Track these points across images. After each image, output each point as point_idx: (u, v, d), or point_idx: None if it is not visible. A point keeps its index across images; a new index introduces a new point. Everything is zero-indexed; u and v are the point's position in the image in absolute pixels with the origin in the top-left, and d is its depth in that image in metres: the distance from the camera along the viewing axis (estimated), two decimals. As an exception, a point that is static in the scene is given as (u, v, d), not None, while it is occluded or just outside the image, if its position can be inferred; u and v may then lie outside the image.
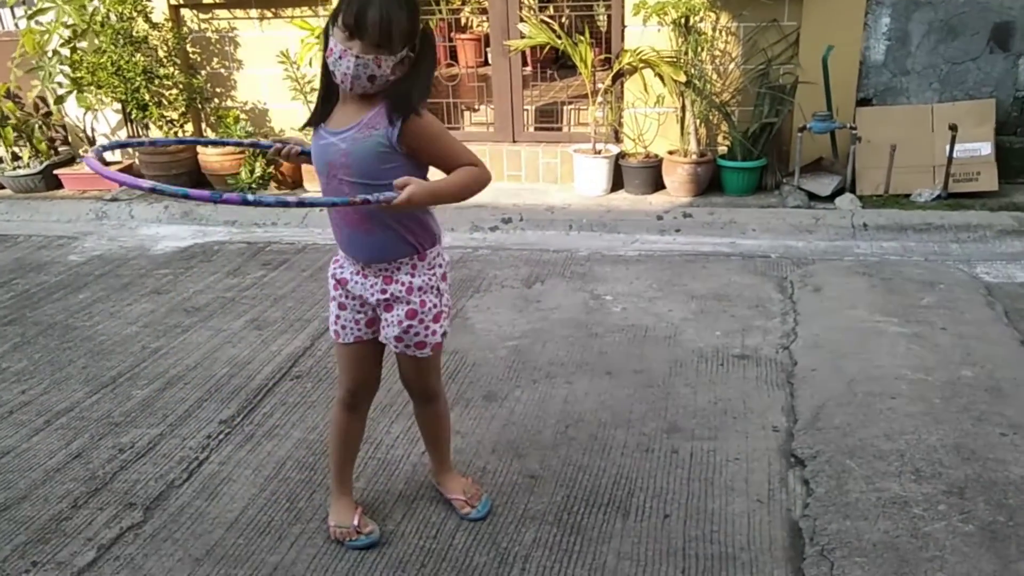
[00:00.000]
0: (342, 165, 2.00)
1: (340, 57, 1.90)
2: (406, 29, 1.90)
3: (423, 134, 1.98)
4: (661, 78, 5.36)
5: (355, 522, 2.36)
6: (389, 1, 1.87)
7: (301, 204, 1.90)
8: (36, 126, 6.25)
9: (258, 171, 5.73)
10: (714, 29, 5.27)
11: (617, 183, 5.55)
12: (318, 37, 5.41)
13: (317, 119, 2.08)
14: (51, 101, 6.04)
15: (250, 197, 1.84)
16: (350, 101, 2.01)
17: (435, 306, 2.17)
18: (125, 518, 2.52)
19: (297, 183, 5.99)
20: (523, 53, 5.94)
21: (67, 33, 5.77)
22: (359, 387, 2.33)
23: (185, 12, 6.14)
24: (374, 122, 1.96)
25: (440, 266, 2.19)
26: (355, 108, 2.00)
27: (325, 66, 1.98)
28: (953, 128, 4.87)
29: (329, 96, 2.05)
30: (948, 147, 4.92)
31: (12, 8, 6.38)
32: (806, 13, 5.11)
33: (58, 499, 2.63)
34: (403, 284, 2.12)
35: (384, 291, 2.14)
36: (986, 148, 5.02)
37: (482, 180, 2.05)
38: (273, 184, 5.95)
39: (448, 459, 2.54)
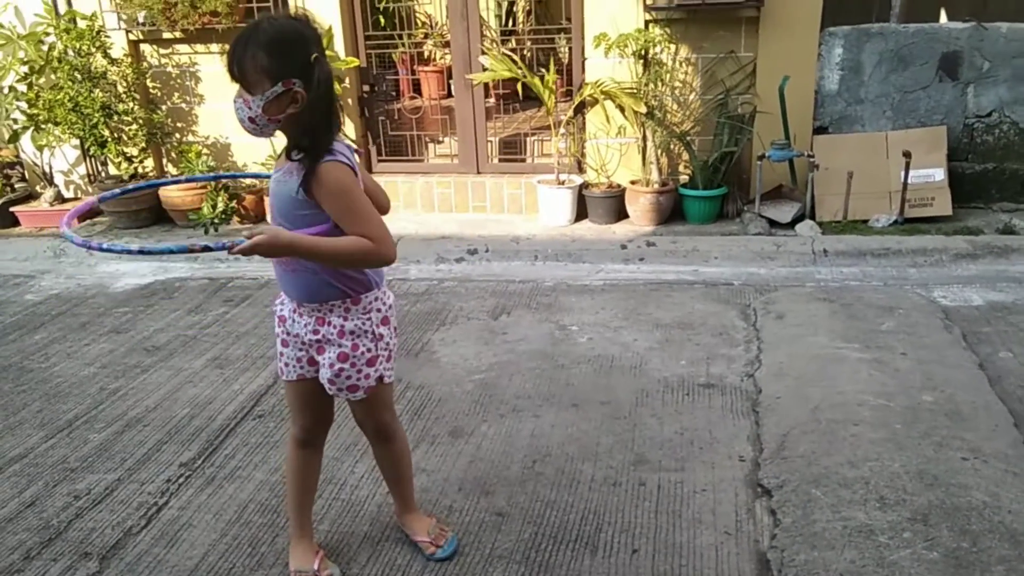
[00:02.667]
0: (273, 204, 2.04)
1: (236, 104, 1.95)
2: (265, 66, 1.85)
3: (324, 188, 1.90)
4: (622, 109, 5.43)
5: (315, 566, 2.31)
6: (247, 40, 1.88)
7: (141, 252, 1.92)
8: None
9: (220, 206, 5.67)
10: (673, 60, 5.36)
11: (581, 213, 5.58)
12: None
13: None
14: (6, 138, 5.93)
15: (102, 244, 1.91)
16: (286, 147, 2.01)
17: (369, 351, 2.13)
18: (80, 569, 2.44)
19: (260, 217, 5.94)
20: (486, 85, 5.99)
21: (24, 69, 5.69)
22: (307, 423, 2.31)
23: (145, 47, 6.10)
24: (293, 167, 1.95)
25: (378, 310, 2.14)
26: (287, 153, 2.01)
27: None
28: (907, 155, 4.99)
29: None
30: (903, 173, 5.04)
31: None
32: (762, 44, 5.22)
33: (9, 550, 2.54)
34: (335, 327, 2.10)
35: (316, 332, 2.11)
36: (939, 174, 5.14)
37: (371, 257, 1.94)
38: (236, 218, 5.89)
39: (411, 499, 2.50)
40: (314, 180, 1.90)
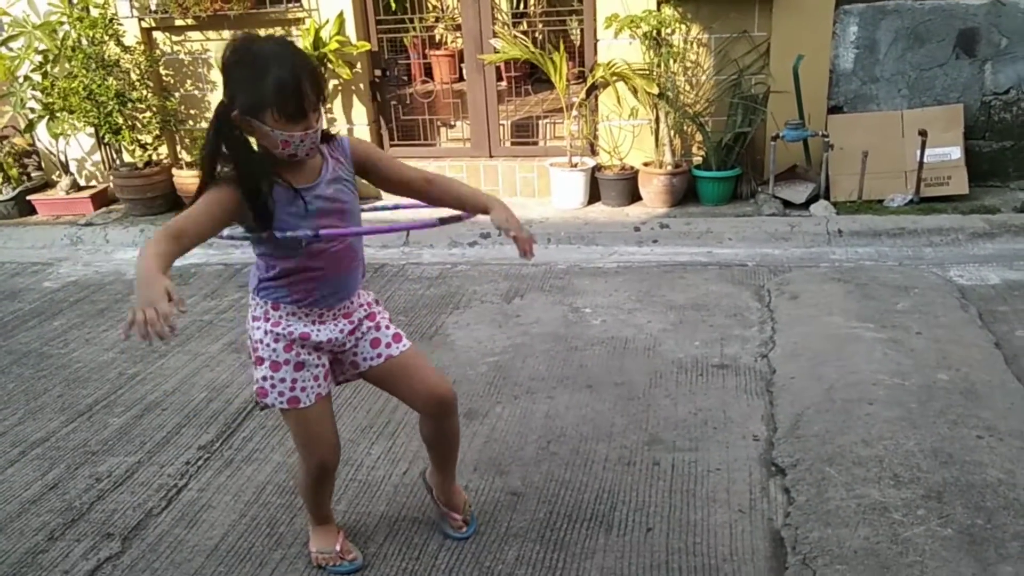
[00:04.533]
0: (351, 202, 2.03)
1: (301, 141, 1.83)
2: (312, 68, 1.87)
3: (365, 148, 2.09)
4: (635, 91, 5.40)
5: (338, 547, 2.34)
6: (304, 66, 1.81)
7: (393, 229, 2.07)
8: (5, 154, 6.19)
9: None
10: (685, 41, 5.32)
11: (594, 195, 5.57)
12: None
13: (251, 191, 1.88)
14: (22, 127, 5.98)
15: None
16: (295, 162, 1.91)
17: (384, 311, 2.26)
18: (103, 549, 2.49)
19: (274, 203, 5.95)
20: (497, 68, 5.97)
21: (38, 59, 5.73)
22: (328, 453, 2.17)
23: (157, 35, 6.12)
24: (335, 165, 1.99)
25: None
26: (303, 165, 1.93)
27: (245, 157, 1.87)
28: (923, 134, 4.94)
29: (267, 174, 1.89)
30: (918, 152, 4.99)
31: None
32: (776, 24, 5.17)
33: (34, 531, 2.59)
34: (363, 305, 2.18)
35: (350, 322, 2.12)
36: (956, 152, 5.09)
37: None
38: (250, 205, 5.91)
39: (454, 473, 2.45)
40: (354, 142, 2.07)
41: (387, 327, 2.20)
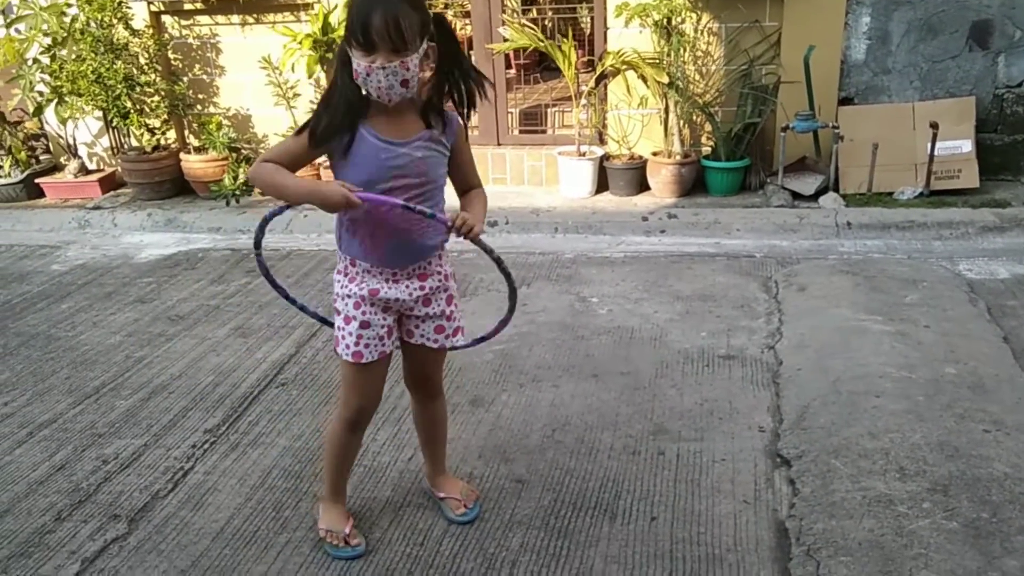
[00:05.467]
0: (418, 173, 2.02)
1: (368, 75, 1.88)
2: (417, 21, 1.87)
3: (461, 145, 2.11)
4: (644, 79, 5.38)
5: (347, 530, 2.35)
6: (391, 2, 1.85)
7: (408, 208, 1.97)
8: (13, 137, 6.20)
9: (241, 177, 5.70)
10: (696, 30, 5.29)
11: (602, 185, 5.56)
12: (300, 43, 5.39)
13: (342, 126, 1.98)
14: (31, 110, 5.98)
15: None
16: (393, 112, 1.98)
17: (456, 289, 2.30)
18: (109, 530, 2.50)
19: (281, 189, 5.95)
20: (506, 56, 5.95)
21: (47, 41, 5.73)
22: (370, 405, 2.28)
23: (166, 18, 6.11)
24: (437, 132, 2.03)
25: (448, 253, 2.27)
26: (405, 116, 2.00)
27: (342, 81, 1.95)
28: (934, 126, 4.91)
29: (353, 108, 1.97)
30: (929, 145, 4.96)
31: (-9, 16, 6.33)
32: (787, 14, 5.14)
33: (41, 512, 2.61)
34: (439, 274, 2.19)
35: (423, 287, 2.16)
36: (967, 145, 5.06)
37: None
38: (257, 190, 5.92)
39: (444, 461, 2.54)
40: (462, 135, 2.10)
41: (457, 317, 2.27)
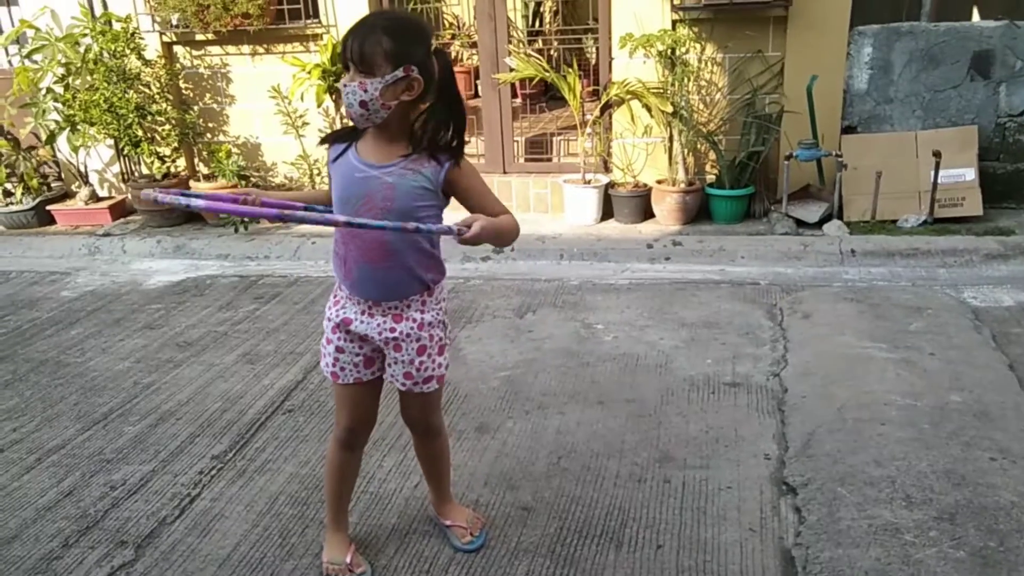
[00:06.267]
0: (384, 198, 2.00)
1: (343, 87, 1.96)
2: (388, 49, 1.90)
3: (465, 183, 2.05)
4: (649, 109, 5.44)
5: (348, 559, 2.35)
6: (368, 27, 1.93)
7: (349, 224, 1.89)
8: (26, 162, 6.28)
9: (250, 205, 5.75)
10: (700, 60, 5.35)
11: (607, 212, 5.60)
12: (309, 73, 5.47)
13: (347, 138, 2.08)
14: (43, 138, 6.07)
15: (286, 214, 1.90)
16: (382, 137, 2.02)
17: (440, 339, 2.20)
18: (116, 557, 2.51)
19: (289, 216, 6.01)
20: (513, 85, 6.02)
21: (61, 71, 5.82)
22: (357, 425, 2.31)
23: (178, 49, 6.21)
24: (419, 163, 2.00)
25: (444, 299, 2.23)
26: (389, 143, 2.02)
27: None
28: (937, 155, 4.95)
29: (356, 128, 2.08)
30: (933, 173, 4.99)
31: (6, 48, 6.44)
32: (790, 44, 5.20)
33: (49, 538, 2.62)
34: (414, 321, 2.13)
35: (393, 329, 2.13)
36: (970, 174, 5.09)
37: (517, 228, 2.12)
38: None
39: (448, 491, 2.54)
40: (459, 176, 2.04)
41: (429, 368, 2.19)
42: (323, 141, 2.15)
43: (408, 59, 1.92)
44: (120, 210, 6.35)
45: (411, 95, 1.96)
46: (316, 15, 5.85)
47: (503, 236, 2.05)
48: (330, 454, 2.37)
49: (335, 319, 2.19)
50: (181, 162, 6.30)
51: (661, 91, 5.30)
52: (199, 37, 6.03)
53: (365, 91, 1.91)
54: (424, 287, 2.13)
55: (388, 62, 1.91)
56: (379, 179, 2.00)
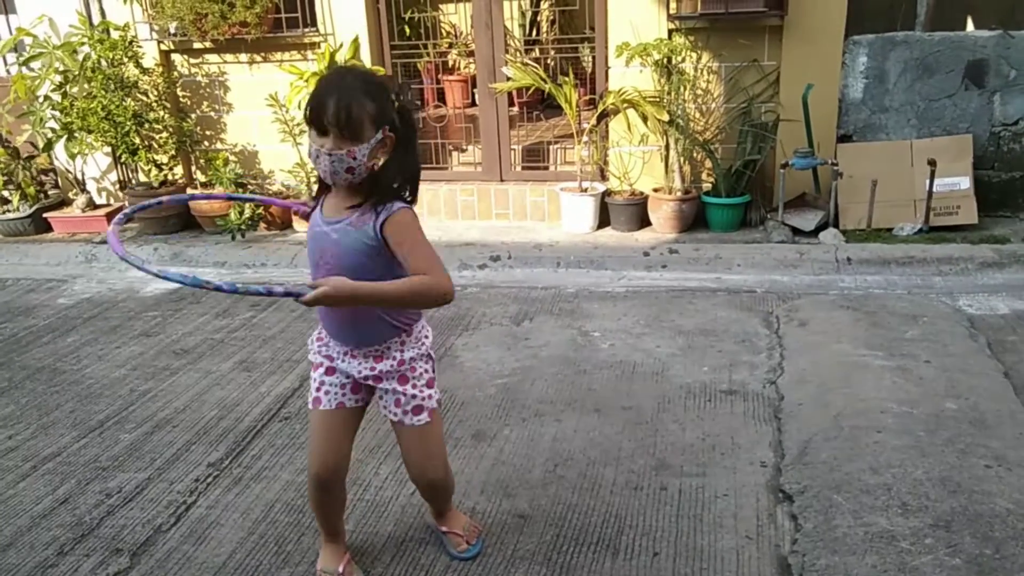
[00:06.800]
0: (332, 255, 2.00)
1: (316, 157, 1.92)
2: (373, 113, 1.90)
3: (396, 238, 1.94)
4: (645, 117, 5.46)
5: (340, 569, 2.34)
6: (348, 89, 1.88)
7: (234, 291, 1.86)
8: (24, 170, 6.28)
9: (247, 212, 5.77)
10: (696, 69, 5.38)
11: (604, 220, 5.61)
12: (306, 81, 5.49)
13: (316, 201, 2.11)
14: (40, 146, 6.07)
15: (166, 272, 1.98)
16: (341, 190, 2.01)
17: (426, 371, 2.20)
18: (112, 564, 2.50)
19: (287, 224, 6.03)
20: (509, 94, 6.04)
21: (58, 79, 5.83)
22: (330, 461, 2.21)
23: (176, 57, 6.23)
24: (365, 217, 1.96)
25: (427, 336, 2.22)
26: (345, 198, 2.00)
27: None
28: (932, 163, 4.97)
29: (320, 181, 2.07)
30: (928, 182, 5.01)
31: (4, 56, 6.45)
32: (786, 53, 5.23)
33: (44, 546, 2.61)
34: (394, 359, 2.14)
35: (374, 368, 2.14)
36: (965, 182, 5.11)
37: (433, 292, 1.92)
38: (263, 225, 5.98)
39: (445, 508, 2.51)
40: (393, 227, 1.94)
41: (414, 396, 2.17)
42: (312, 209, 2.14)
43: (385, 120, 1.93)
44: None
45: (386, 153, 1.97)
46: (314, 24, 5.86)
47: (376, 298, 1.92)
48: (309, 493, 2.32)
49: (321, 353, 2.20)
50: (178, 170, 6.31)
51: (657, 100, 5.32)
52: (197, 45, 6.04)
53: (354, 159, 1.91)
54: (399, 330, 2.11)
55: (372, 126, 1.91)
56: (328, 235, 2.01)
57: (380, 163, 1.97)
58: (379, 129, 1.92)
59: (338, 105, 1.86)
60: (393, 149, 1.98)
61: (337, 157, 1.90)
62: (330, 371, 2.19)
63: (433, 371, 2.23)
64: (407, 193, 2.03)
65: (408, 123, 2.00)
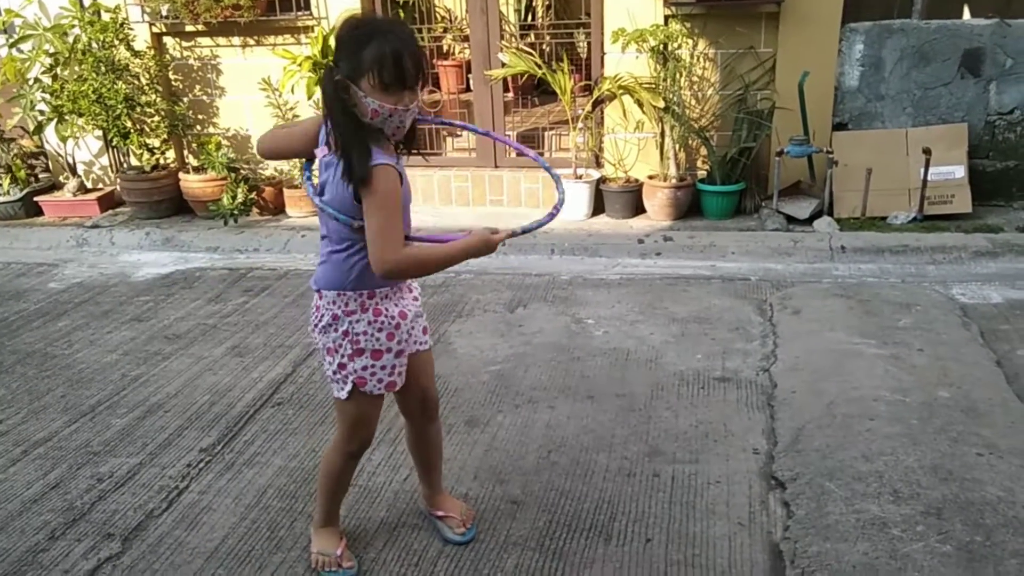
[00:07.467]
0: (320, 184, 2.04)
1: (391, 115, 1.88)
2: (414, 49, 1.89)
3: (368, 187, 1.88)
4: (640, 104, 5.43)
5: (338, 552, 2.34)
6: (415, 43, 1.87)
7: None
8: (12, 154, 6.23)
9: (240, 197, 5.73)
10: (692, 56, 5.35)
11: (598, 207, 5.59)
12: (300, 65, 5.44)
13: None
14: (31, 129, 6.02)
15: None
16: (384, 139, 1.98)
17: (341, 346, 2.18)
18: (103, 549, 2.50)
19: (279, 209, 6.00)
20: (504, 80, 6.00)
21: (48, 61, 5.77)
22: (372, 435, 2.30)
23: (168, 40, 6.17)
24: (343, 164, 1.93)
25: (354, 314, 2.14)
26: (389, 144, 2.01)
27: (347, 118, 1.89)
28: (927, 152, 4.97)
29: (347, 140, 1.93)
30: (923, 170, 5.01)
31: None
32: (782, 40, 5.21)
33: (35, 530, 2.60)
34: (412, 287, 2.25)
35: (415, 298, 2.24)
36: (959, 171, 5.11)
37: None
38: (255, 210, 5.95)
39: (440, 482, 2.53)
40: (370, 182, 1.89)
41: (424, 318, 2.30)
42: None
43: None
44: (108, 202, 6.31)
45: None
46: (307, 7, 5.81)
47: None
48: (334, 466, 2.30)
49: (390, 322, 2.10)
50: (170, 154, 6.26)
51: (653, 86, 5.29)
52: (189, 28, 5.98)
53: (417, 108, 1.92)
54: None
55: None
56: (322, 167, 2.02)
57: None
58: None
59: (417, 58, 1.85)
60: None
61: (413, 111, 1.92)
62: (399, 353, 2.15)
63: (349, 356, 2.11)
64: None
65: None
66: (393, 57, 1.82)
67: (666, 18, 5.26)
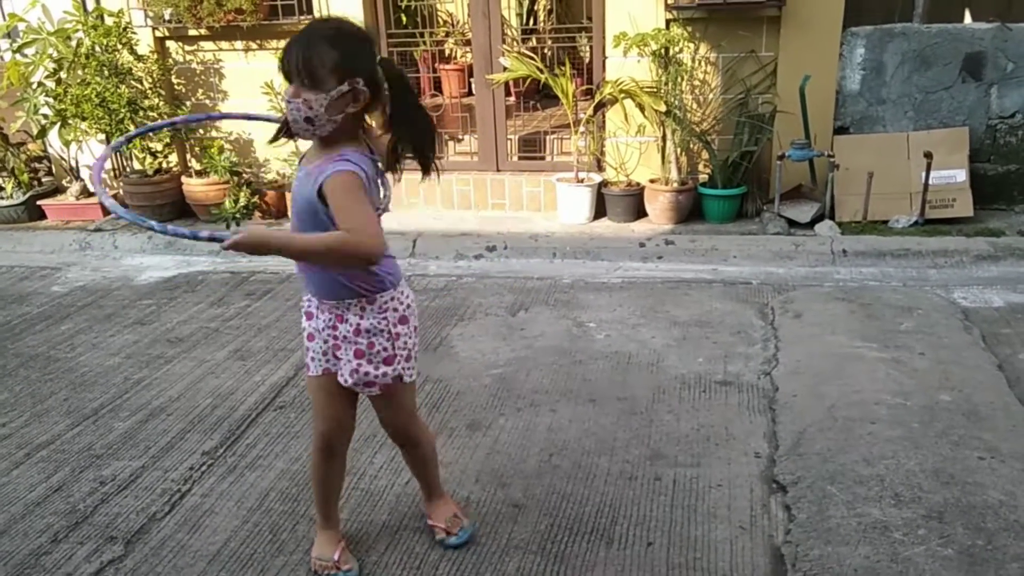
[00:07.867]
0: (294, 200, 2.04)
1: (286, 104, 1.92)
2: (335, 62, 1.86)
3: (332, 191, 1.87)
4: (642, 108, 5.44)
5: (336, 556, 2.34)
6: (312, 39, 1.88)
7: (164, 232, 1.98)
8: (16, 158, 6.24)
9: (242, 201, 5.75)
10: (693, 60, 5.36)
11: (600, 211, 5.60)
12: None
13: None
14: (34, 133, 6.03)
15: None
16: (323, 144, 1.99)
17: (385, 349, 2.13)
18: (106, 552, 2.50)
19: (282, 213, 6.01)
20: (506, 84, 6.02)
21: (52, 65, 5.79)
22: (333, 429, 2.27)
23: (170, 44, 6.19)
24: (317, 172, 1.92)
25: (395, 310, 2.13)
26: (319, 150, 2.00)
27: None
28: (928, 156, 4.97)
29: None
30: (924, 174, 5.01)
31: (-3, 41, 6.41)
32: (783, 44, 5.21)
33: (38, 533, 2.61)
34: (351, 325, 2.10)
35: (335, 328, 2.12)
36: (961, 175, 5.11)
37: (351, 249, 1.85)
38: (257, 213, 5.96)
39: (437, 489, 2.52)
40: (330, 186, 1.89)
41: (369, 373, 2.14)
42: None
43: (354, 72, 1.89)
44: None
45: (357, 107, 1.93)
46: (310, 11, 5.83)
47: (291, 250, 1.93)
48: (312, 459, 2.34)
49: (304, 308, 2.23)
50: (173, 158, 6.28)
51: (655, 90, 5.31)
52: (192, 32, 6.00)
53: (311, 108, 1.88)
54: (357, 294, 2.07)
55: (334, 76, 1.87)
56: (297, 179, 2.02)
57: (345, 115, 1.92)
58: (344, 80, 1.88)
59: (297, 51, 1.87)
60: (393, 108, 1.96)
61: (295, 105, 1.90)
62: (311, 336, 2.21)
63: (397, 348, 2.14)
64: (409, 159, 2.04)
65: (396, 78, 1.95)
66: (286, 49, 1.90)
67: (667, 22, 5.28)
